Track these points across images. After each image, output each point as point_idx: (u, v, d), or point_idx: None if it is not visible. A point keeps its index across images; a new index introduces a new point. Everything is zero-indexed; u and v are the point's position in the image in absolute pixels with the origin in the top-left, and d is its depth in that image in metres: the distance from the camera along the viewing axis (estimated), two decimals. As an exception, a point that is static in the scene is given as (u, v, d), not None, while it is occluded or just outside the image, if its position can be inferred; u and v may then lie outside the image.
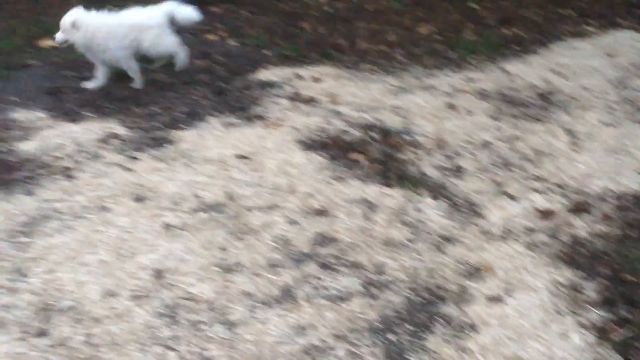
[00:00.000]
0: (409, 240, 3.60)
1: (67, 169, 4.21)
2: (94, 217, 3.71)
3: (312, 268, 3.34)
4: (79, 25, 5.18)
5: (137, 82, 5.53)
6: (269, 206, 3.84)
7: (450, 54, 6.57)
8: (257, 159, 4.38)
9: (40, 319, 2.96)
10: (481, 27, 7.38)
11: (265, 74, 5.86)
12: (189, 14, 5.57)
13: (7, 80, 5.68)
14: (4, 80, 5.69)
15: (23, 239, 3.51)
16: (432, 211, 3.88)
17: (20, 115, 5.00)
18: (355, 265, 3.38)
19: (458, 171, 4.42)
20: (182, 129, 4.81)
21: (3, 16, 7.54)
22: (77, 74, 5.86)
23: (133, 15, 5.47)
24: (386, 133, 4.80)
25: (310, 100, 5.31)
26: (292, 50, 6.42)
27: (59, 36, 5.28)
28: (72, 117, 4.97)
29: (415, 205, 3.92)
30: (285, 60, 6.23)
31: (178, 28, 5.67)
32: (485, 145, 4.77)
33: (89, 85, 5.52)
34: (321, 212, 3.79)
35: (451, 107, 5.31)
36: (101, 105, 5.19)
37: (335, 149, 4.52)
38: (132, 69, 5.51)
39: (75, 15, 5.23)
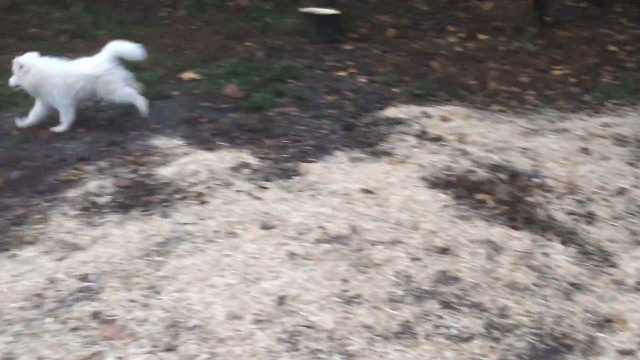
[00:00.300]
0: (535, 285, 3.49)
1: (201, 194, 4.42)
2: (223, 241, 3.86)
3: (433, 306, 3.31)
4: (27, 69, 5.40)
5: (63, 127, 5.60)
6: (392, 241, 3.85)
7: (586, 97, 6.38)
8: (381, 194, 4.41)
9: (169, 335, 3.10)
10: (620, 71, 7.11)
11: (394, 111, 5.92)
12: (134, 50, 5.68)
13: (151, 109, 6.05)
14: (148, 109, 6.07)
15: (157, 258, 3.70)
16: (560, 257, 3.75)
17: (161, 142, 5.31)
18: (477, 306, 3.32)
19: (590, 217, 4.26)
20: (310, 161, 4.94)
21: (151, 50, 8.06)
22: (213, 105, 6.17)
23: (80, 64, 5.62)
24: (514, 175, 4.70)
25: (437, 139, 5.30)
26: (421, 88, 6.45)
27: (12, 80, 5.50)
28: (208, 145, 5.22)
29: (542, 250, 3.80)
30: (414, 98, 6.27)
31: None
32: (621, 192, 4.57)
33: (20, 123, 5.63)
34: (444, 251, 3.76)
35: (585, 151, 5.14)
36: (234, 135, 5.43)
37: (461, 188, 4.48)
38: (69, 116, 5.61)
39: (25, 59, 5.45)
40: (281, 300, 3.33)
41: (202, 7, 10.18)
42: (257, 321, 3.18)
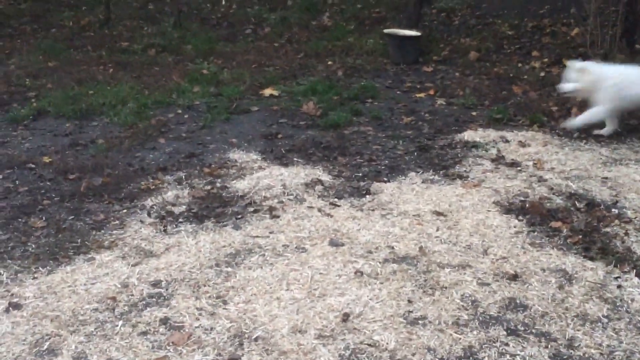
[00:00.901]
0: (607, 318, 3.37)
1: (273, 208, 4.49)
2: (291, 256, 3.90)
3: (499, 332, 3.24)
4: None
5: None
6: (461, 265, 3.80)
7: (674, 127, 6.13)
8: (453, 217, 4.36)
9: (234, 345, 3.15)
10: None
11: (471, 135, 5.86)
12: None
13: (230, 123, 6.21)
14: (228, 123, 6.23)
15: (226, 269, 3.78)
16: (635, 290, 3.60)
17: (237, 155, 5.43)
18: (545, 336, 3.23)
19: (672, 252, 4.08)
20: (383, 181, 4.94)
21: (233, 66, 8.28)
22: (291, 121, 6.26)
23: None
24: (592, 204, 4.56)
25: (514, 164, 5.21)
26: (501, 112, 6.36)
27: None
28: (283, 161, 5.31)
29: (617, 282, 3.67)
30: (493, 122, 6.19)
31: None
32: None
33: None
34: (514, 277, 3.68)
35: (670, 183, 4.94)
36: (310, 152, 5.49)
37: (535, 215, 4.38)
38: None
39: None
40: (345, 317, 3.33)
41: (286, 25, 10.37)
42: (321, 336, 3.20)
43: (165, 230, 4.23)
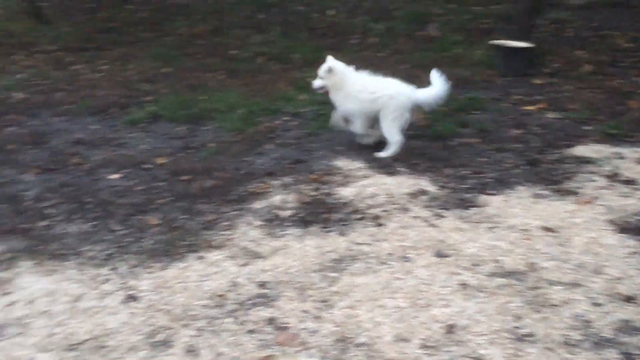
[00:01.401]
0: None
1: (377, 217, 4.50)
2: (396, 264, 3.91)
3: (612, 355, 3.12)
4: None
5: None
6: (572, 283, 3.69)
7: None
8: (563, 233, 4.24)
9: (338, 349, 3.18)
10: None
11: (583, 150, 5.67)
12: None
13: (335, 131, 6.26)
14: (333, 132, 6.29)
15: (331, 274, 3.82)
16: None
17: (343, 163, 5.48)
18: (663, 362, 3.09)
19: None
20: (489, 193, 4.86)
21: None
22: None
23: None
24: None
25: (630, 182, 5.00)
26: (616, 128, 6.12)
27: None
28: (388, 170, 5.31)
29: None
30: (607, 137, 5.96)
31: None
32: None
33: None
34: (629, 299, 3.53)
35: None
36: (415, 162, 5.47)
37: (653, 236, 4.19)
38: None
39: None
40: (450, 329, 3.30)
41: (392, 36, 10.38)
42: (425, 346, 3.18)
43: (272, 233, 4.32)
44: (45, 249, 4.16)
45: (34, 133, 6.51)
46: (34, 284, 3.75)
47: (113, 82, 8.26)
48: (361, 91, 5.59)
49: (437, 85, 5.65)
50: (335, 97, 5.75)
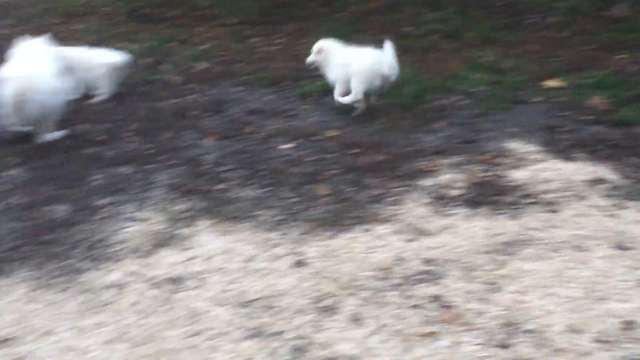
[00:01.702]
0: None
1: (551, 203, 4.31)
2: (569, 253, 3.73)
3: None
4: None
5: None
6: None
7: None
8: None
9: (504, 333, 3.09)
10: None
11: None
12: None
13: (509, 112, 6.08)
14: (506, 113, 6.09)
15: (500, 257, 3.72)
16: None
17: (516, 146, 5.29)
18: None
19: None
20: (678, 186, 4.50)
21: (512, 54, 8.06)
22: (575, 115, 5.94)
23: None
24: None
25: None
26: None
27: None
28: (564, 155, 5.06)
29: None
30: None
31: None
32: None
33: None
34: None
35: None
36: (594, 149, 5.17)
37: None
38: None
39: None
40: (628, 325, 3.10)
41: (575, 15, 9.84)
42: (599, 340, 3.02)
43: (440, 212, 4.27)
44: (222, 210, 4.38)
45: (213, 101, 6.87)
46: (211, 242, 3.97)
47: (287, 55, 8.50)
48: (339, 63, 6.29)
49: (387, 54, 6.01)
50: (324, 71, 6.52)
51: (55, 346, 3.12)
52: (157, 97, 7.07)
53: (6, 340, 3.18)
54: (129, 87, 7.24)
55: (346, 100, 6.24)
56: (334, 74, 6.38)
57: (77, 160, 5.38)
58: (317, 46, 6.50)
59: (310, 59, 6.55)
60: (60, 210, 4.49)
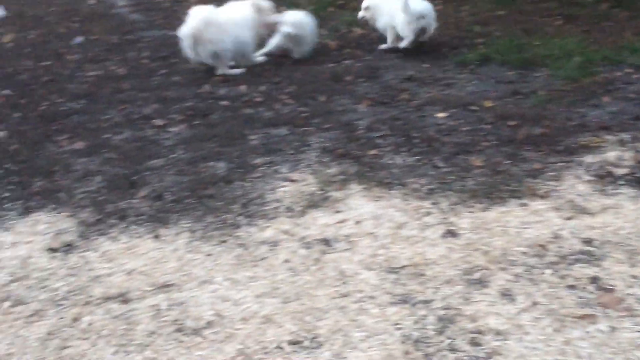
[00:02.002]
0: None
1: None
2: None
3: None
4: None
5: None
6: None
7: None
8: None
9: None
10: None
11: None
12: None
13: None
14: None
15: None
16: None
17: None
18: None
19: None
20: None
21: None
22: None
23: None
24: None
25: None
26: None
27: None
28: None
29: None
30: None
31: None
32: None
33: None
34: None
35: None
36: None
37: None
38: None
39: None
40: None
41: None
42: None
43: (603, 190, 4.03)
44: (373, 175, 4.39)
45: (368, 67, 6.87)
46: (362, 206, 4.00)
47: (446, 22, 8.30)
48: (386, 13, 7.26)
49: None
50: (373, 23, 7.55)
51: (212, 295, 3.28)
52: (314, 61, 7.17)
53: (167, 285, 3.38)
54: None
55: (403, 44, 7.06)
56: (382, 23, 7.36)
57: (235, 120, 5.60)
58: (364, 3, 7.48)
59: (360, 14, 7.60)
60: (220, 167, 4.70)
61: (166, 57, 7.74)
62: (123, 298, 3.28)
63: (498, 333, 2.90)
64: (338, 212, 3.96)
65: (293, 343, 2.90)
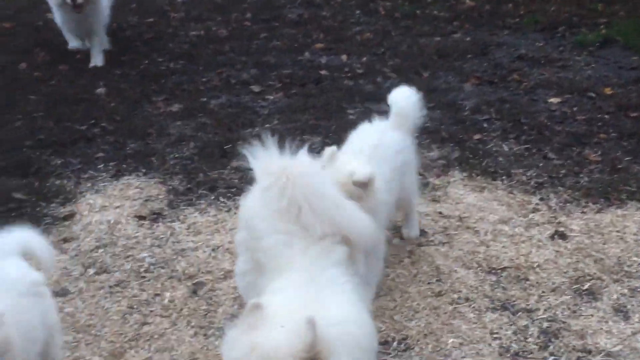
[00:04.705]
0: None
1: None
2: None
3: None
4: None
5: None
6: None
7: None
8: None
9: None
10: None
11: None
12: None
13: None
14: None
15: None
16: None
17: None
18: None
19: None
20: None
21: None
22: None
23: None
24: None
25: None
26: None
27: None
28: None
29: None
30: None
31: None
32: None
33: None
34: None
35: None
36: None
37: None
38: None
39: None
40: None
41: None
42: None
43: None
44: (477, 163, 4.10)
45: (478, 42, 6.47)
46: (463, 197, 3.73)
47: (566, -2, 7.76)
48: None
49: None
50: None
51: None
52: (420, 32, 6.82)
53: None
54: (393, 20, 7.10)
55: None
56: None
57: (334, 92, 5.37)
58: None
59: None
60: (315, 141, 4.50)
61: (268, 19, 7.58)
62: (205, 277, 3.15)
63: (609, 355, 2.62)
64: (436, 201, 3.70)
65: (380, 343, 2.70)
